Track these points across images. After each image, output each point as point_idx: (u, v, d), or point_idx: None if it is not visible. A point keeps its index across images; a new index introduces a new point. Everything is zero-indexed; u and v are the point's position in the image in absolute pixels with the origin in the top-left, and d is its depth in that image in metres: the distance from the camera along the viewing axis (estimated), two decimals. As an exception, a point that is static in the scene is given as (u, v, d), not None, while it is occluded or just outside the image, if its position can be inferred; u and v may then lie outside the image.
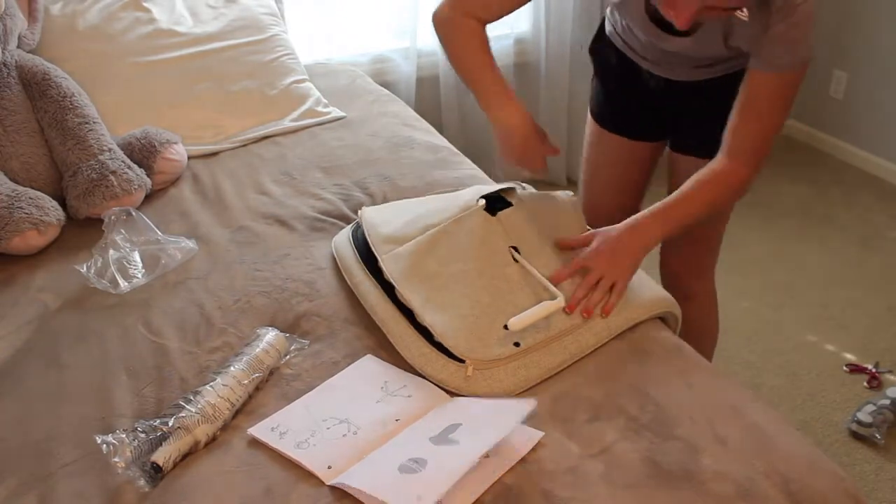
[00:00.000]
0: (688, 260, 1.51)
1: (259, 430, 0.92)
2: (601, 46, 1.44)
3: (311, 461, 0.87)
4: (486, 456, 0.86)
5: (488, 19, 1.24)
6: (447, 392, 0.98)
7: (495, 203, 1.16)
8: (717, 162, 1.17)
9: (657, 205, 1.17)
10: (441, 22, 1.25)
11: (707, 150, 1.19)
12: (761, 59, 1.10)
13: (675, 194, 1.17)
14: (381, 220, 1.23)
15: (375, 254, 1.15)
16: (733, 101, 1.16)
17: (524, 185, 1.38)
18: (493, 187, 1.21)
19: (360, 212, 1.28)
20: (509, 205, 1.16)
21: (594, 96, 1.52)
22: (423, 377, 1.00)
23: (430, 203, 1.25)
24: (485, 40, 1.24)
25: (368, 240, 1.18)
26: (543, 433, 0.90)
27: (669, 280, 1.56)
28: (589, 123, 1.54)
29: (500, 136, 1.24)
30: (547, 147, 1.26)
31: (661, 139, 1.48)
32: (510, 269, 1.09)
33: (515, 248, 1.11)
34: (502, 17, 1.25)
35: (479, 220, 1.13)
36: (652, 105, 1.41)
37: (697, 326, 1.58)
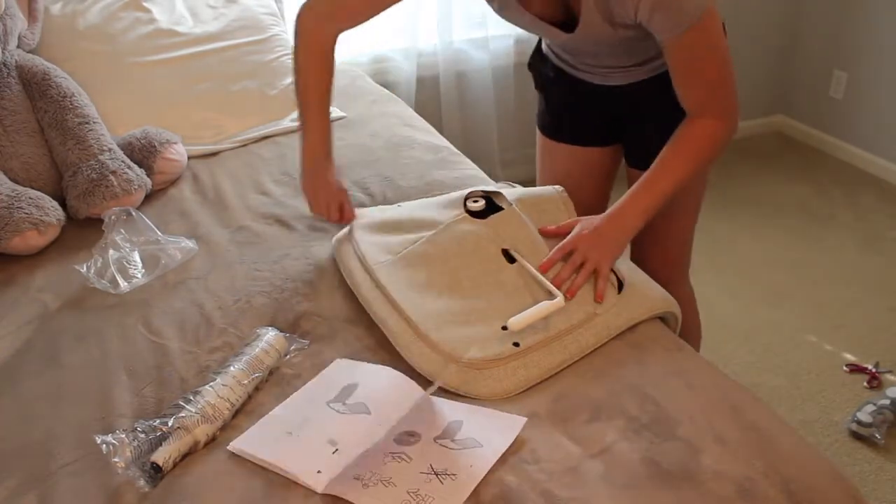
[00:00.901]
0: (657, 260, 1.45)
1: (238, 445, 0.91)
2: (538, 61, 1.46)
3: (297, 466, 0.86)
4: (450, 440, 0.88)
5: (343, 28, 1.28)
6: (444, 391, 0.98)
7: (487, 207, 1.16)
8: (685, 124, 1.17)
9: (636, 184, 1.17)
10: (299, 26, 1.28)
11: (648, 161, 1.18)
12: (656, 30, 1.08)
13: (652, 167, 1.16)
14: (372, 233, 1.23)
15: (369, 265, 1.15)
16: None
17: (514, 184, 1.38)
18: (484, 189, 1.21)
19: (353, 222, 1.28)
20: (500, 209, 1.16)
21: (539, 112, 1.51)
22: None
23: (418, 211, 1.25)
24: (329, 64, 1.30)
25: (358, 252, 1.18)
26: (526, 419, 0.91)
27: None
28: (538, 139, 1.54)
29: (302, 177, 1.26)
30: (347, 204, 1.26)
31: (614, 143, 1.46)
32: (504, 275, 1.09)
33: (508, 251, 1.11)
34: (357, 24, 1.27)
35: (470, 227, 1.13)
36: (598, 110, 1.40)
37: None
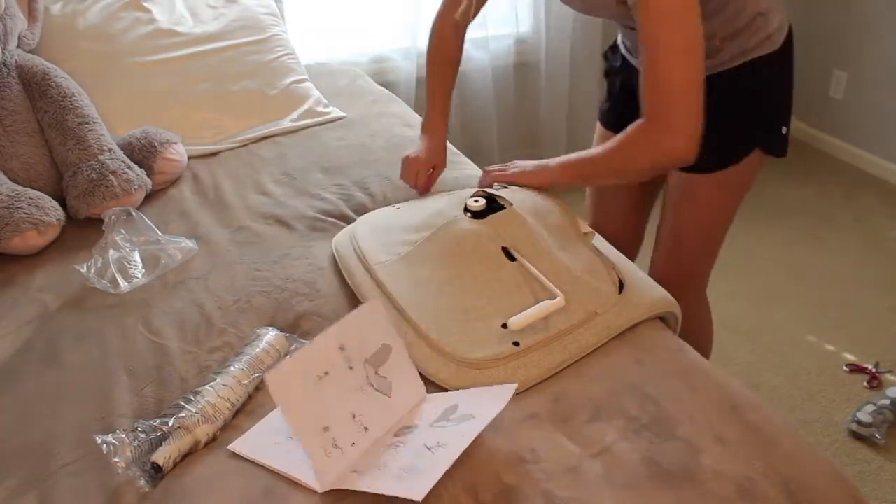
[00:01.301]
0: (672, 266, 1.44)
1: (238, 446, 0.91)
2: (610, 50, 1.48)
3: (297, 469, 0.86)
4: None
5: (459, 18, 1.33)
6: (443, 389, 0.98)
7: (487, 207, 1.16)
8: (637, 121, 1.12)
9: (577, 153, 1.21)
10: (432, 28, 1.40)
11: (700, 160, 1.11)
12: None
13: (597, 148, 1.18)
14: (371, 233, 1.23)
15: (370, 264, 1.15)
16: (726, 106, 1.14)
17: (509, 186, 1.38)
18: (486, 190, 1.22)
19: (356, 221, 1.29)
20: (501, 208, 1.16)
21: (601, 101, 1.53)
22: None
23: (419, 211, 1.25)
24: (449, 50, 1.39)
25: (359, 252, 1.19)
26: (516, 384, 0.92)
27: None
28: (596, 131, 1.54)
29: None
30: (425, 175, 1.39)
31: None
32: (504, 272, 1.09)
33: (508, 250, 1.11)
34: (476, 11, 1.35)
35: (470, 226, 1.13)
36: None
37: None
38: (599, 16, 1.24)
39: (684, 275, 1.45)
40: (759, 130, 1.28)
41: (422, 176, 1.38)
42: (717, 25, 1.18)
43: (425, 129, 1.45)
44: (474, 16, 1.40)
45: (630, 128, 1.12)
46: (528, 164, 1.28)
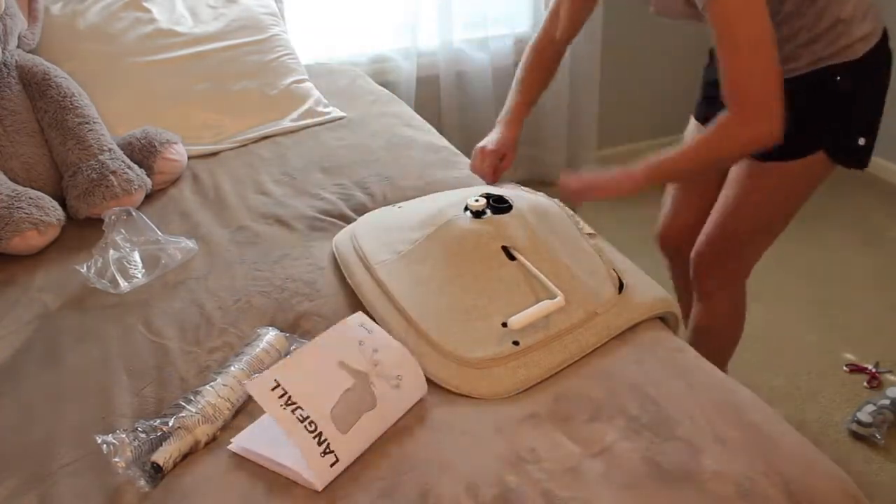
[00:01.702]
0: (710, 258, 1.46)
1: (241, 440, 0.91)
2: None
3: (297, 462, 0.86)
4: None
5: (556, 33, 1.39)
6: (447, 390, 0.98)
7: (489, 207, 1.16)
8: (720, 114, 1.14)
9: (668, 152, 1.19)
10: (530, 44, 1.45)
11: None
12: None
13: (676, 148, 1.19)
14: (372, 232, 1.23)
15: (370, 263, 1.15)
16: (795, 102, 1.13)
17: (519, 185, 1.38)
18: (487, 189, 1.21)
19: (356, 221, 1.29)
20: (502, 209, 1.16)
21: (697, 97, 1.53)
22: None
23: (419, 210, 1.25)
24: (542, 57, 1.42)
25: (359, 251, 1.19)
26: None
27: (694, 276, 1.52)
28: (689, 124, 1.55)
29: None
30: (493, 164, 1.39)
31: None
32: (504, 270, 1.09)
33: (508, 249, 1.11)
34: (572, 28, 1.41)
35: (470, 225, 1.13)
36: None
37: (710, 330, 1.56)
38: (672, 17, 1.24)
39: (725, 263, 1.45)
40: (826, 134, 1.27)
41: (488, 165, 1.40)
42: (794, 30, 1.17)
43: (503, 121, 1.47)
44: (573, 34, 1.43)
45: (712, 123, 1.14)
46: (607, 174, 1.23)
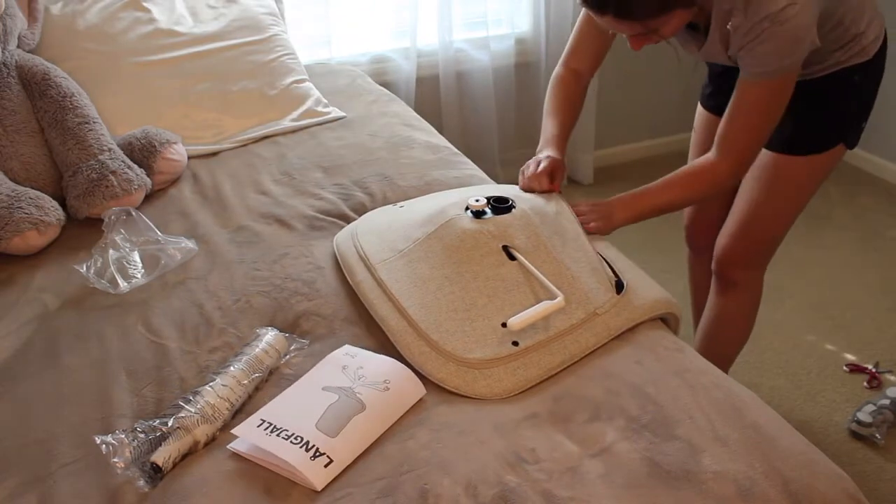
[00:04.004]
0: (735, 247, 1.52)
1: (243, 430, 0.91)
2: None
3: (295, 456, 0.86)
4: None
5: (580, 68, 1.43)
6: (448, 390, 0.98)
7: (490, 207, 1.16)
8: (705, 157, 1.27)
9: (643, 188, 1.29)
10: (553, 75, 1.46)
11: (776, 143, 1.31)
12: (742, 66, 1.19)
13: (660, 180, 1.29)
14: (373, 231, 1.23)
15: (371, 262, 1.15)
16: (820, 99, 1.29)
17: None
18: (490, 189, 1.21)
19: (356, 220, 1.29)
20: (503, 209, 1.16)
21: (703, 85, 1.58)
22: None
23: (420, 209, 1.25)
24: (569, 92, 1.43)
25: (360, 251, 1.19)
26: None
27: (718, 265, 1.56)
28: (697, 113, 1.60)
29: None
30: (546, 182, 1.37)
31: None
32: (505, 269, 1.09)
33: (508, 249, 1.11)
34: (594, 62, 1.44)
35: (470, 225, 1.13)
36: None
37: (728, 319, 1.61)
38: (716, 62, 1.34)
39: (751, 251, 1.52)
40: (846, 126, 1.38)
41: (542, 172, 1.37)
42: (822, 43, 1.23)
43: (542, 146, 1.44)
44: (597, 67, 1.46)
45: (699, 164, 1.28)
46: (594, 211, 1.29)
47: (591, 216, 1.27)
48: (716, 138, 1.25)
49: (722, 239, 1.54)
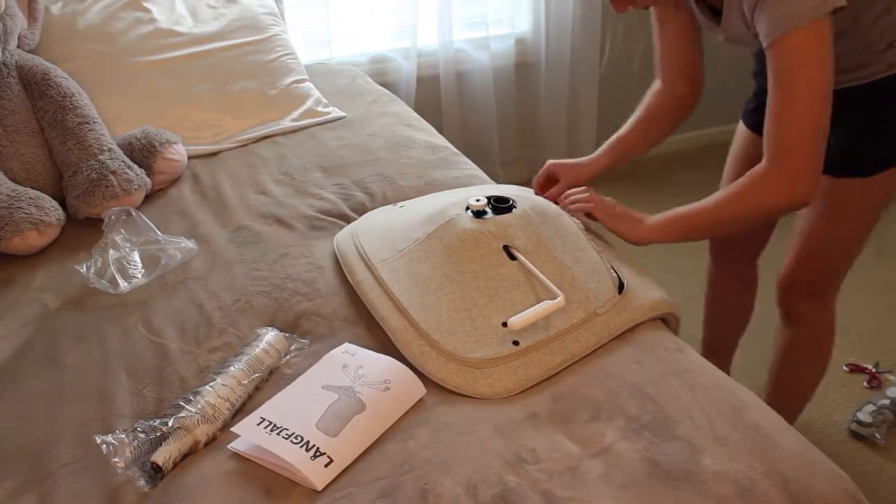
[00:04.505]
0: (795, 276, 1.41)
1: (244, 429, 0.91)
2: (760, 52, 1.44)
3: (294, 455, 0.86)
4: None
5: (673, 80, 1.35)
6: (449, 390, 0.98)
7: (491, 207, 1.16)
8: (756, 167, 1.11)
9: (686, 207, 1.16)
10: (648, 95, 1.39)
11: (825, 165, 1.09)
12: (760, 33, 1.04)
13: (709, 198, 1.14)
14: (373, 230, 1.23)
15: (371, 262, 1.15)
16: (853, 118, 1.14)
17: (524, 187, 1.38)
18: (490, 189, 1.21)
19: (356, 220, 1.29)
20: (504, 209, 1.16)
21: (748, 100, 1.47)
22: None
23: (421, 209, 1.25)
24: (649, 103, 1.37)
25: (360, 250, 1.19)
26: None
27: (780, 295, 1.47)
28: (737, 130, 1.50)
29: None
30: (537, 187, 1.37)
31: None
32: (505, 269, 1.09)
33: (509, 248, 1.11)
34: (685, 73, 1.34)
35: (471, 224, 1.13)
36: None
37: (796, 353, 1.51)
38: (743, 45, 1.22)
39: (816, 279, 1.41)
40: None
41: (541, 176, 1.38)
42: (872, 37, 1.14)
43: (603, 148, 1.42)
44: (688, 77, 1.35)
45: (748, 175, 1.10)
46: (614, 207, 1.24)
47: (620, 225, 1.21)
48: (762, 147, 1.09)
49: (785, 272, 1.44)
